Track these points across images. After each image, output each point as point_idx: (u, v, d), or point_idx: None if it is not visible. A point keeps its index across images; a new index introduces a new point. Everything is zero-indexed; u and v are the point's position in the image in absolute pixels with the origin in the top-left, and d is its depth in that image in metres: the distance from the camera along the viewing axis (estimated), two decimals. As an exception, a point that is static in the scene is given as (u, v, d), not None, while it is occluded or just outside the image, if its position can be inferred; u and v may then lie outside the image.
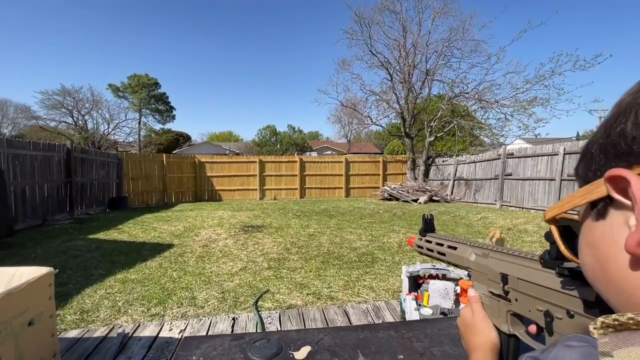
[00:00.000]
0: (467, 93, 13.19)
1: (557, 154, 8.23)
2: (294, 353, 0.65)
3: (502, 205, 9.77)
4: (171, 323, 2.40)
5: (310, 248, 5.20)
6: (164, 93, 31.49)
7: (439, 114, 12.66)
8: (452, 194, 12.13)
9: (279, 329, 2.27)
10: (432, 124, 12.94)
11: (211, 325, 2.33)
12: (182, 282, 3.69)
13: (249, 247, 5.28)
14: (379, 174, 13.96)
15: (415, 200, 11.11)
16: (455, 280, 2.12)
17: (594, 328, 0.23)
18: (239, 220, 7.85)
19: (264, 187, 13.05)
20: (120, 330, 2.24)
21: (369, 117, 14.88)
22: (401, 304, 2.35)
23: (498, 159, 10.14)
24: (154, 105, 30.70)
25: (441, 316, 1.82)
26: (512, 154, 9.69)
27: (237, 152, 34.09)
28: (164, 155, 11.97)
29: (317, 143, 41.63)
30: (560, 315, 0.40)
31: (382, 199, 12.27)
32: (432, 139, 12.96)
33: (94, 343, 2.08)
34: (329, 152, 35.86)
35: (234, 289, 3.45)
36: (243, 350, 0.65)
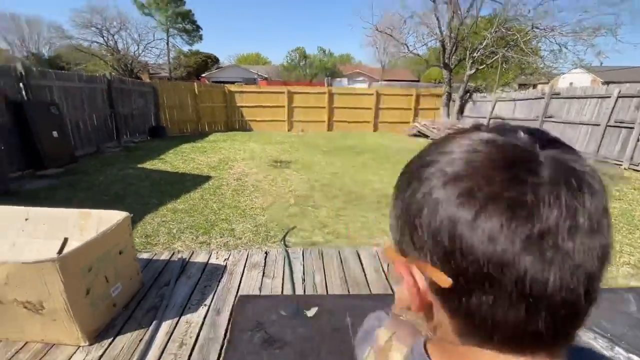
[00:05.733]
0: (524, 16, 11.54)
1: (610, 97, 7.52)
2: (307, 311, 1.02)
3: (535, 148, 9.43)
4: (217, 252, 3.00)
5: (334, 187, 5.62)
6: (190, 10, 29.97)
7: (485, 42, 11.41)
8: (484, 133, 11.69)
9: (302, 263, 2.80)
10: (475, 54, 11.80)
11: (248, 257, 2.89)
12: (222, 214, 4.30)
13: (278, 183, 5.79)
14: (411, 109, 13.49)
15: (444, 139, 10.90)
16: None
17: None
18: (268, 154, 8.32)
19: (292, 119, 13.20)
20: (179, 256, 2.86)
21: (405, 44, 13.68)
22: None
23: (542, 98, 9.41)
24: (180, 25, 29.62)
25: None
26: (559, 94, 8.93)
27: (266, 76, 33.27)
28: (195, 84, 12.17)
29: (349, 68, 39.31)
30: None
31: (411, 136, 12.13)
32: (472, 71, 11.97)
33: (162, 264, 2.72)
34: (361, 79, 34.07)
35: (265, 224, 4.01)
36: (276, 308, 1.03)
